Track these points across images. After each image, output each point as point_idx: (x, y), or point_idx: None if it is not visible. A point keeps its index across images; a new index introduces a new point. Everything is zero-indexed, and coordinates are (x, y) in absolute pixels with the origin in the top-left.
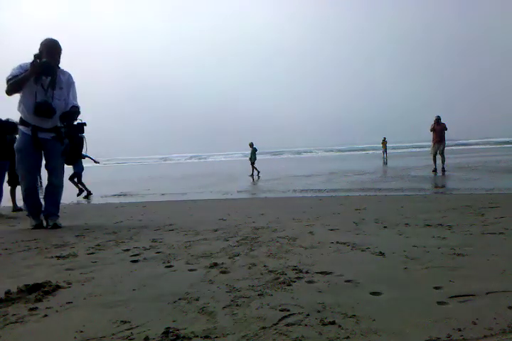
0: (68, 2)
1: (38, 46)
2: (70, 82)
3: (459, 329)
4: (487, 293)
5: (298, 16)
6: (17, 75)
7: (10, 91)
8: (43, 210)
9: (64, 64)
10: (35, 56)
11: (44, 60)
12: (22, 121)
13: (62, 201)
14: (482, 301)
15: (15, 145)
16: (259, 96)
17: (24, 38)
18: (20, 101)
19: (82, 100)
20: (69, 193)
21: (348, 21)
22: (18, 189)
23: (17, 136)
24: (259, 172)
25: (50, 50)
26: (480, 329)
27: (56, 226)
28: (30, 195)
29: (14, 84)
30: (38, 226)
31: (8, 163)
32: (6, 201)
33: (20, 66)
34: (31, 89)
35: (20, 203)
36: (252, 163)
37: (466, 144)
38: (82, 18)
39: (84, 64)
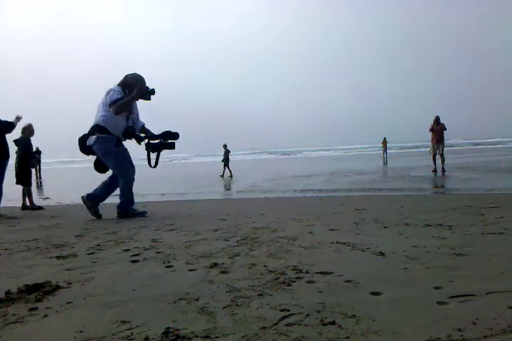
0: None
1: (125, 78)
2: (136, 105)
3: (459, 329)
4: (487, 293)
5: (298, 17)
6: (121, 98)
7: (119, 112)
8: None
9: (63, 64)
10: (124, 84)
11: (153, 88)
12: (105, 131)
13: (61, 201)
14: (482, 301)
15: (110, 148)
16: (259, 98)
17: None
18: (109, 118)
19: (85, 103)
20: (69, 193)
21: (349, 21)
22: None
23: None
24: (231, 174)
25: (142, 81)
26: (480, 329)
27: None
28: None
29: (122, 107)
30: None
31: (7, 162)
32: (6, 201)
33: (119, 91)
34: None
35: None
36: (226, 165)
37: (465, 144)
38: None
39: (81, 65)
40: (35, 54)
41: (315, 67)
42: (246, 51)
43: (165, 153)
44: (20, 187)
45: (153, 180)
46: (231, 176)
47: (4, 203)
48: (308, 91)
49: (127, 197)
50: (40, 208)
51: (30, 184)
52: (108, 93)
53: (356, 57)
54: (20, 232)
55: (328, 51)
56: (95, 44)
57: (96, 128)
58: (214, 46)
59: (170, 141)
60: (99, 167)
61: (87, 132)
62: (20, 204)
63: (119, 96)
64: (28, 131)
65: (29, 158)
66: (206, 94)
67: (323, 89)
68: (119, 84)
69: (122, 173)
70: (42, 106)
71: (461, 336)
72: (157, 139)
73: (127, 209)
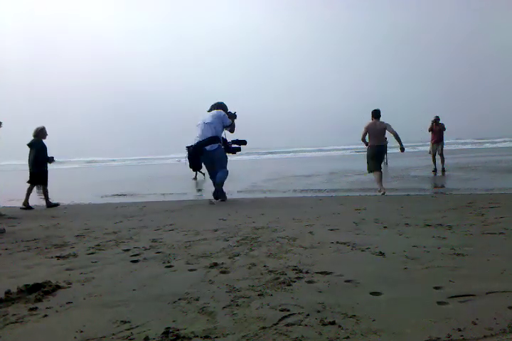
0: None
1: (217, 103)
2: None
3: (459, 329)
4: (487, 293)
5: (297, 16)
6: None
7: (234, 131)
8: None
9: (58, 65)
10: (218, 108)
11: (235, 112)
12: (219, 141)
13: (61, 201)
14: (482, 301)
15: (226, 154)
16: (259, 98)
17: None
18: (220, 133)
19: (84, 104)
20: (68, 193)
21: (348, 21)
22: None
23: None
24: (204, 173)
25: (227, 107)
26: (480, 329)
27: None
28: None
29: (234, 127)
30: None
31: None
32: (6, 201)
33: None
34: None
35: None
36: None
37: (466, 144)
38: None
39: (80, 64)
40: (33, 54)
41: (315, 66)
42: (246, 51)
43: (167, 154)
44: (25, 187)
45: (153, 180)
46: (201, 176)
47: (4, 203)
48: (308, 91)
49: (222, 185)
50: (56, 205)
51: (46, 183)
52: (224, 116)
53: (356, 57)
54: (20, 232)
55: (329, 51)
56: (94, 44)
57: (216, 139)
58: (214, 46)
59: (236, 145)
60: (197, 166)
61: (201, 140)
62: (20, 203)
63: (229, 119)
64: (42, 133)
65: (45, 160)
66: (205, 95)
67: (323, 89)
68: (218, 108)
69: (225, 170)
70: (40, 106)
71: (461, 336)
72: (230, 144)
73: (223, 193)
